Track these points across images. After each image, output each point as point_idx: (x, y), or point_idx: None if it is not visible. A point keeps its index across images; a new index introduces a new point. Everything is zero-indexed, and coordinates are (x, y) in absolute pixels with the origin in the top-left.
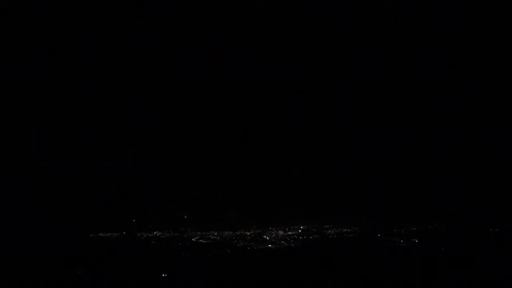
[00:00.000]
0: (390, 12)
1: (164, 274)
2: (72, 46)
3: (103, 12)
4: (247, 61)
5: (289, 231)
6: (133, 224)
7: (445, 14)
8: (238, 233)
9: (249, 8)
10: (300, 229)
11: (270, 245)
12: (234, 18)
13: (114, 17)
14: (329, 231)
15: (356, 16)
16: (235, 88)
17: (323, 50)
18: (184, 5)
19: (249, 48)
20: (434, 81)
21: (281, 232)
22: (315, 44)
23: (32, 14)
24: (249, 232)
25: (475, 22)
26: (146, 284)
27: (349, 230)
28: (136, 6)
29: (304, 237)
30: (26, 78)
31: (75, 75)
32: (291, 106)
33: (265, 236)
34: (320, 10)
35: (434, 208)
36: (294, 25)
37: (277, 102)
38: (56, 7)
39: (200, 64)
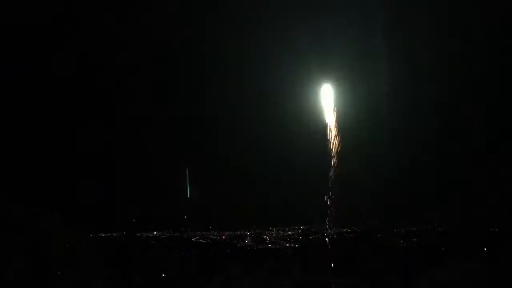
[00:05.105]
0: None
1: (164, 274)
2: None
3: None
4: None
5: (289, 231)
6: (133, 224)
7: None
8: (238, 233)
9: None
10: (300, 229)
11: (270, 245)
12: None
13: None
14: (329, 231)
15: None
16: (236, 86)
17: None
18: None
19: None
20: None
21: (281, 232)
22: None
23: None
24: (249, 232)
25: None
26: (146, 284)
27: (349, 230)
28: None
29: (304, 237)
30: (26, 78)
31: (78, 75)
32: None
33: (265, 236)
34: None
35: (434, 208)
36: None
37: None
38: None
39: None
